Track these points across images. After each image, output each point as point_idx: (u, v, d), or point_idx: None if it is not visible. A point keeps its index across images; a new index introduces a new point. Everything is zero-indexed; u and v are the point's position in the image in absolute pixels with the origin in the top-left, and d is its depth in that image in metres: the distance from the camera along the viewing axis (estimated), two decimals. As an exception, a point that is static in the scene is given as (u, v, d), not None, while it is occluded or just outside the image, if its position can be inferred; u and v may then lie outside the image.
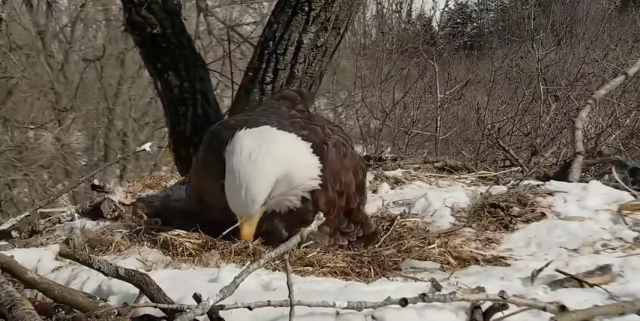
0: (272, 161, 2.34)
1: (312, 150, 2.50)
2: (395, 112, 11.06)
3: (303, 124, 2.63)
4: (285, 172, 2.37)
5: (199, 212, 2.57)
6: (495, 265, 2.37)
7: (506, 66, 11.76)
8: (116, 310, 1.88)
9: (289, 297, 1.72)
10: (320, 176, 2.48)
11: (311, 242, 2.49)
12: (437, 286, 2.00)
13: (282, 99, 3.08)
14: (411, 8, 19.49)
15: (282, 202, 2.45)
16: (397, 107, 11.05)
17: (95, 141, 14.66)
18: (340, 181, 2.58)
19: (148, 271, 2.18)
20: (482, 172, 3.76)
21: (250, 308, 1.72)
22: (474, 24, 38.96)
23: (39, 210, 3.10)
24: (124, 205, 2.91)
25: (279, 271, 2.26)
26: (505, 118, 9.57)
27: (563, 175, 3.53)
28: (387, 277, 2.28)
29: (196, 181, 2.75)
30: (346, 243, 2.63)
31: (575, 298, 1.91)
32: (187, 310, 1.69)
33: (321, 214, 2.14)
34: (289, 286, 1.74)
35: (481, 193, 3.02)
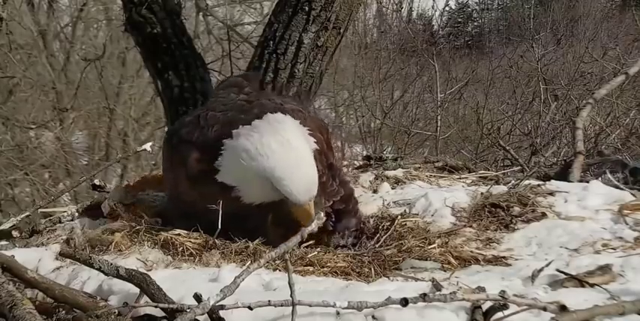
0: (303, 140, 2.39)
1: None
2: (395, 112, 11.06)
3: (249, 106, 2.62)
4: (310, 145, 2.42)
5: (197, 215, 2.55)
6: (496, 264, 2.37)
7: (506, 65, 11.75)
8: (117, 310, 1.88)
9: (291, 296, 1.72)
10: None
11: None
12: (437, 286, 2.01)
13: (227, 87, 3.08)
14: (411, 8, 19.47)
15: None
16: (397, 106, 11.04)
17: (96, 140, 14.65)
18: (320, 139, 2.58)
19: (149, 270, 2.19)
20: (483, 171, 3.77)
21: (251, 308, 1.72)
22: (475, 23, 38.94)
23: (40, 210, 3.10)
24: (124, 205, 2.91)
25: (279, 270, 2.26)
26: (505, 117, 9.57)
27: (563, 174, 3.53)
28: (388, 277, 2.28)
29: (180, 188, 2.64)
30: (330, 203, 2.60)
31: (576, 298, 1.91)
32: (188, 310, 1.70)
33: (322, 214, 2.16)
34: (291, 285, 1.74)
35: (482, 193, 3.03)
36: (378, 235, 2.75)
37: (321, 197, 2.53)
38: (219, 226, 2.48)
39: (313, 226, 2.15)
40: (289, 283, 1.76)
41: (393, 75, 12.45)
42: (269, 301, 1.73)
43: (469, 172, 3.74)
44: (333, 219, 2.66)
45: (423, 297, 1.77)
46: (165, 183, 2.87)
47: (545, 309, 1.77)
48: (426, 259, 2.41)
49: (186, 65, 4.97)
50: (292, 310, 1.71)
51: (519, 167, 4.21)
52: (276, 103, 2.67)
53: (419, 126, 10.70)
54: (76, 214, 2.93)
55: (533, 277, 2.12)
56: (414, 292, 1.88)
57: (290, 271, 1.83)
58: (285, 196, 2.33)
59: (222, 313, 1.76)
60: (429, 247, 2.50)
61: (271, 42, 4.21)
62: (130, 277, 1.93)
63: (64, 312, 1.99)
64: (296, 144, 2.34)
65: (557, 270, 2.12)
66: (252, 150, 2.32)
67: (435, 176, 3.55)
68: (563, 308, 1.77)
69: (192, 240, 2.47)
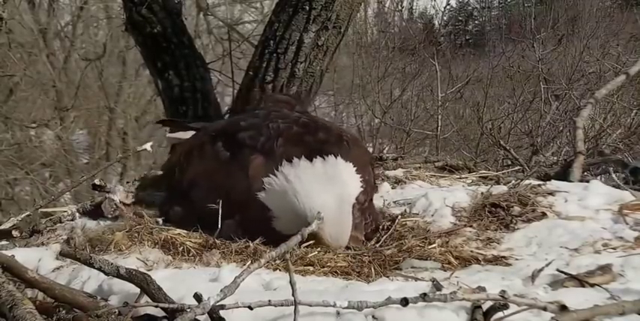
0: (351, 194, 2.59)
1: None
2: (395, 110, 11.04)
3: (314, 126, 2.78)
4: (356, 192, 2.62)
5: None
6: (496, 264, 2.37)
7: (506, 64, 11.72)
8: (117, 310, 1.88)
9: (293, 295, 1.72)
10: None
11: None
12: (438, 286, 2.00)
13: (277, 102, 3.14)
14: (412, 7, 19.42)
15: None
16: (397, 105, 11.02)
17: (97, 139, 14.65)
18: (368, 174, 2.76)
19: (149, 270, 2.19)
20: (483, 171, 3.76)
21: (251, 308, 1.72)
22: (476, 21, 38.90)
23: (40, 209, 3.10)
24: (124, 204, 2.90)
25: (279, 270, 2.27)
26: (505, 116, 9.55)
27: (564, 174, 3.53)
28: (388, 277, 2.28)
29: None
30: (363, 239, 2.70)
31: (576, 298, 1.91)
32: (188, 310, 1.70)
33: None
34: (292, 284, 1.74)
35: (482, 193, 3.03)
36: (379, 234, 2.76)
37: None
38: (219, 225, 2.50)
39: (314, 226, 2.16)
40: (291, 282, 1.76)
41: (392, 73, 12.43)
42: (269, 300, 1.73)
43: (469, 172, 3.74)
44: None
45: (424, 297, 1.77)
46: (202, 184, 2.86)
47: (545, 309, 1.77)
48: (427, 259, 2.41)
49: (186, 65, 4.97)
50: (295, 309, 1.71)
51: (519, 167, 4.21)
52: (337, 128, 2.86)
53: (419, 124, 10.67)
54: (77, 213, 2.93)
55: (533, 276, 2.12)
56: (414, 291, 1.88)
57: (291, 270, 1.83)
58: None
59: (222, 312, 1.76)
60: (430, 246, 2.50)
61: (272, 41, 4.21)
62: (131, 276, 1.93)
63: (64, 312, 1.99)
64: (343, 199, 2.52)
65: (558, 270, 2.12)
66: (301, 192, 2.48)
67: (435, 176, 3.55)
68: (563, 308, 1.77)
69: (193, 240, 2.48)
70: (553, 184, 3.08)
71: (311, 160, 2.55)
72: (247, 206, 2.55)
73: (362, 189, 2.65)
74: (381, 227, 2.79)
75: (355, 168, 2.65)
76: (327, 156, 2.58)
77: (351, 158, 2.68)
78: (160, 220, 2.74)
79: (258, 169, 2.59)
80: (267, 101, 3.51)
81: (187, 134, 3.27)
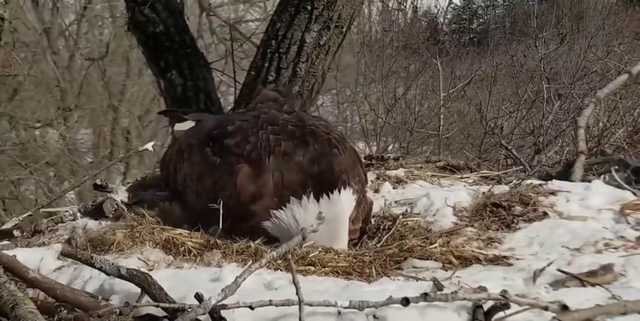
0: (346, 222, 2.65)
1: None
2: (398, 109, 11.04)
3: (300, 133, 2.74)
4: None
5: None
6: (497, 264, 2.36)
7: (509, 63, 11.71)
8: (118, 310, 1.89)
9: (297, 294, 1.72)
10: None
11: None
12: (439, 286, 2.00)
13: (265, 101, 3.13)
14: (416, 6, 19.38)
15: None
16: (401, 104, 11.02)
17: (101, 138, 14.68)
18: (358, 174, 2.79)
19: (150, 270, 2.19)
20: (485, 171, 3.75)
21: (252, 307, 1.73)
22: (480, 20, 38.89)
23: (42, 209, 3.11)
24: (126, 204, 2.91)
25: (280, 270, 2.26)
26: (508, 115, 9.54)
27: (565, 174, 3.51)
28: (389, 277, 2.28)
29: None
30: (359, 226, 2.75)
31: (577, 298, 1.91)
32: (189, 310, 1.70)
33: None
34: (296, 283, 1.75)
35: (483, 193, 3.01)
36: (380, 234, 2.76)
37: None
38: (220, 225, 2.51)
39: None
40: (294, 281, 1.76)
41: (396, 72, 12.44)
42: (270, 300, 1.74)
43: (471, 172, 3.73)
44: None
45: (425, 296, 1.77)
46: (192, 187, 2.86)
47: (546, 308, 1.77)
48: (428, 259, 2.40)
49: (189, 64, 4.98)
50: (299, 308, 1.71)
51: (521, 167, 4.20)
52: (324, 131, 2.82)
53: (422, 123, 10.67)
54: (78, 213, 2.93)
55: (534, 276, 2.12)
56: (415, 291, 1.88)
57: (294, 269, 1.84)
58: None
59: (223, 312, 1.76)
60: (431, 246, 2.49)
61: (273, 41, 4.22)
62: (132, 276, 1.94)
63: (65, 311, 1.99)
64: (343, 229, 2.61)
65: (559, 270, 2.11)
66: (300, 222, 2.52)
67: (436, 176, 3.54)
68: (564, 308, 1.77)
69: (194, 240, 2.48)
70: (555, 184, 3.07)
71: (318, 201, 2.56)
72: (239, 217, 2.57)
73: (356, 194, 2.67)
74: (382, 227, 2.80)
75: (351, 186, 2.65)
76: (332, 193, 2.58)
77: (345, 166, 2.70)
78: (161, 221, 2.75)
79: (245, 178, 2.60)
80: (255, 98, 3.49)
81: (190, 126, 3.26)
